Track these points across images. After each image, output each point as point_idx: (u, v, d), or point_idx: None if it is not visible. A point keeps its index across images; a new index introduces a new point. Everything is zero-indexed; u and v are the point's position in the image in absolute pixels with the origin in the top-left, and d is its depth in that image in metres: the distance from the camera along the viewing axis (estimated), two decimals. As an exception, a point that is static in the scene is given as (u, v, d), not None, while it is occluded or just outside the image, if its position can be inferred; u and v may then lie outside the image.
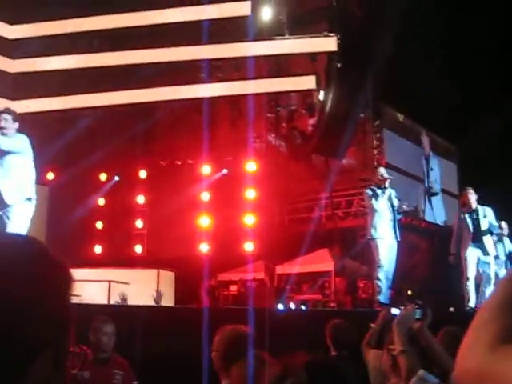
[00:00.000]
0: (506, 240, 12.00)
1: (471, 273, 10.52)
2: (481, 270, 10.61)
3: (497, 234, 10.97)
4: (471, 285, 10.47)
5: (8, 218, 7.45)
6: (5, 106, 8.09)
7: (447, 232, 19.24)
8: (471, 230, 10.53)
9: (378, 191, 10.07)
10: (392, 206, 10.13)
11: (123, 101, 13.35)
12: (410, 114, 17.28)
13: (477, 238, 10.51)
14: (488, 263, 10.60)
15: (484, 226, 10.57)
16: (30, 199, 7.67)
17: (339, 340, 5.54)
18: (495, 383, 0.95)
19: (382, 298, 9.90)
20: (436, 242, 18.81)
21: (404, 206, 10.51)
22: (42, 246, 1.14)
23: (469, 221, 10.57)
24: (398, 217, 10.38)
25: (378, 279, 9.99)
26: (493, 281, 10.52)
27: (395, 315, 5.73)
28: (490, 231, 10.61)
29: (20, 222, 7.54)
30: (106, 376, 5.27)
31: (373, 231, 10.03)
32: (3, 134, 7.32)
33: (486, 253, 10.58)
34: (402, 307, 4.09)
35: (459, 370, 1.04)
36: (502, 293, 1.07)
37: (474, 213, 10.62)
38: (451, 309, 10.66)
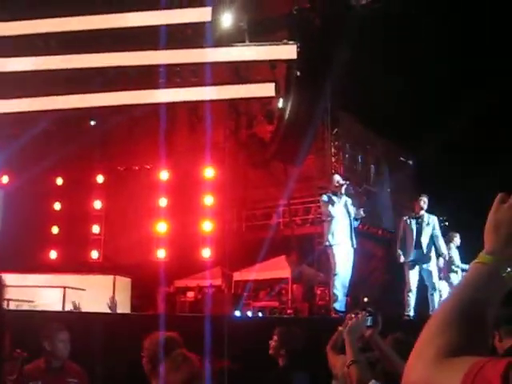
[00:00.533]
0: (455, 251, 12.19)
1: (413, 281, 10.64)
2: (424, 277, 10.73)
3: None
4: (412, 294, 10.58)
5: None
6: None
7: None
8: (414, 235, 10.67)
9: (334, 198, 10.12)
10: (348, 212, 10.18)
11: (81, 104, 13.20)
12: (366, 120, 17.44)
13: (418, 245, 10.64)
14: (430, 271, 10.71)
15: (426, 233, 10.69)
16: None
17: (290, 346, 5.54)
18: None
19: (338, 305, 9.93)
20: (392, 249, 19.01)
21: (361, 212, 10.51)
22: None
23: (413, 226, 10.70)
24: (355, 224, 10.45)
25: (334, 287, 10.02)
26: (437, 289, 10.68)
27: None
28: (432, 239, 10.75)
29: None
30: None
31: (330, 238, 10.06)
32: None
33: (426, 260, 10.69)
34: (353, 315, 4.01)
35: (408, 380, 1.06)
36: (448, 308, 1.09)
37: (419, 218, 10.75)
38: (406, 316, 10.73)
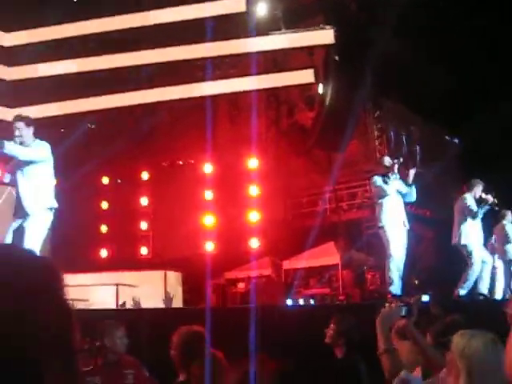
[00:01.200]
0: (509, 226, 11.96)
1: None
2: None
3: None
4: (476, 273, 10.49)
5: (27, 226, 7.33)
6: (15, 114, 7.89)
7: (452, 222, 19.31)
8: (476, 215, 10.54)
9: (386, 178, 9.93)
10: (400, 193, 9.99)
11: (124, 103, 13.33)
12: (409, 104, 17.20)
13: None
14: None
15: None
16: (50, 208, 7.60)
17: (348, 335, 5.47)
18: None
19: (394, 289, 9.74)
20: (442, 231, 18.76)
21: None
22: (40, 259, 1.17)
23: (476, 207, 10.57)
24: (410, 196, 10.18)
25: (390, 270, 9.78)
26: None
27: (426, 302, 5.66)
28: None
29: (39, 231, 7.46)
30: (117, 377, 5.24)
31: (383, 219, 9.87)
32: (22, 143, 7.14)
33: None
34: (387, 305, 4.02)
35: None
36: None
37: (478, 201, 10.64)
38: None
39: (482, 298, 10.26)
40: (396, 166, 10.06)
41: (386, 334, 3.70)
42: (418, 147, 18.34)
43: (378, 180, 10.00)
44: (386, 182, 9.87)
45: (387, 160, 10.31)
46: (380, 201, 9.99)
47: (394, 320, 3.90)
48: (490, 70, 16.06)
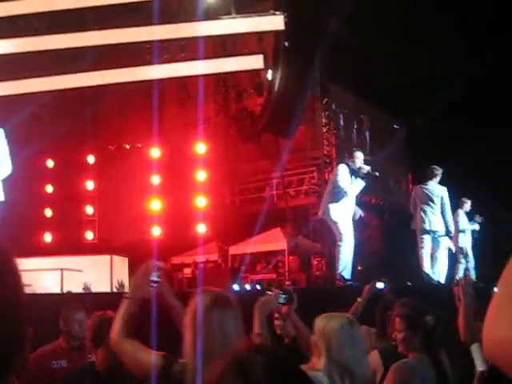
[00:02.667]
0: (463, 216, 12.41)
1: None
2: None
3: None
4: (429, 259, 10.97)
5: None
6: None
7: (397, 208, 19.65)
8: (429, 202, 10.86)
9: (353, 177, 9.84)
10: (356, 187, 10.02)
11: (70, 85, 13.07)
12: (356, 91, 17.37)
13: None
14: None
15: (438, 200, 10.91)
16: None
17: None
18: None
19: (345, 273, 9.86)
20: (387, 218, 19.08)
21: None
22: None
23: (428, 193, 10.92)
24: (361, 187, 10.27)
25: (342, 254, 9.88)
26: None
27: (380, 289, 5.84)
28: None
29: None
30: (82, 362, 5.22)
31: (334, 211, 9.86)
32: None
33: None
34: (268, 292, 4.09)
35: (490, 338, 1.05)
36: None
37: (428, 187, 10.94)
38: (408, 283, 10.82)
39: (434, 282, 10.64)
40: (364, 172, 9.92)
41: (262, 320, 3.81)
42: (367, 135, 18.56)
43: (343, 173, 9.83)
44: (350, 180, 9.77)
45: (360, 157, 10.12)
46: (334, 189, 9.92)
47: (272, 307, 4.05)
48: (439, 59, 16.34)
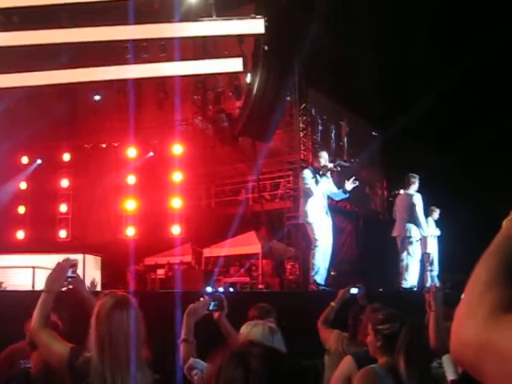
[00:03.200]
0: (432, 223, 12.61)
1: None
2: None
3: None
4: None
5: None
6: None
7: (371, 215, 19.77)
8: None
9: (318, 176, 9.99)
10: (325, 190, 10.13)
11: (47, 81, 12.98)
12: (335, 97, 17.44)
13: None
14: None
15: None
16: None
17: None
18: (497, 353, 0.96)
19: (319, 278, 9.96)
20: (361, 224, 19.19)
21: (350, 184, 10.34)
22: None
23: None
24: (340, 197, 10.44)
25: (315, 259, 9.99)
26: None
27: (354, 294, 5.93)
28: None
29: None
30: None
31: (308, 215, 9.99)
32: None
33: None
34: (201, 299, 4.30)
35: (457, 342, 1.05)
36: (492, 264, 1.09)
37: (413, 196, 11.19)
38: (380, 289, 10.96)
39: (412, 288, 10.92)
40: (328, 168, 10.11)
41: (190, 326, 4.03)
42: (346, 141, 18.64)
43: (307, 177, 10.01)
44: (316, 180, 9.93)
45: (324, 156, 10.30)
46: (306, 194, 10.10)
47: (201, 313, 4.21)
48: (417, 68, 16.48)
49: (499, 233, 1.15)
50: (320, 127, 17.55)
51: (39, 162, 16.25)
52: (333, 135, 18.27)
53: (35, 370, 4.27)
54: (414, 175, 11.35)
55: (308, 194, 10.01)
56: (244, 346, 1.74)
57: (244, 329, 3.69)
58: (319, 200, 9.98)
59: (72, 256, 3.81)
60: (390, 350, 3.82)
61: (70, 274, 3.60)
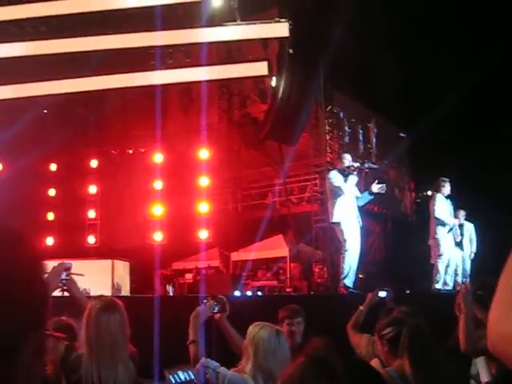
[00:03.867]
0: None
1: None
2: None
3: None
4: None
5: None
6: None
7: (399, 216, 19.64)
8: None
9: (344, 176, 10.03)
10: (353, 191, 10.14)
11: (74, 89, 13.11)
12: (361, 99, 17.37)
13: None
14: None
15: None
16: None
17: None
18: None
19: (348, 281, 9.95)
20: (389, 226, 19.07)
21: (378, 187, 10.35)
22: (15, 230, 1.17)
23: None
24: (366, 200, 10.41)
25: (345, 263, 9.99)
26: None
27: (382, 297, 5.93)
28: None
29: None
30: None
31: (337, 215, 10.00)
32: None
33: None
34: (205, 301, 4.52)
35: (496, 334, 1.06)
36: None
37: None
38: (407, 291, 10.92)
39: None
40: (355, 167, 10.16)
41: (196, 328, 4.21)
42: (374, 144, 18.57)
43: (335, 178, 10.04)
44: (343, 180, 9.95)
45: (348, 158, 10.37)
46: (334, 196, 10.12)
47: (207, 315, 4.42)
48: (441, 66, 16.39)
49: None
50: (347, 129, 17.50)
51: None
52: (361, 137, 18.21)
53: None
54: (445, 178, 11.32)
55: (337, 193, 10.01)
56: (325, 350, 1.73)
57: (251, 329, 3.89)
58: (348, 200, 9.97)
59: (67, 261, 4.03)
60: (397, 353, 3.87)
61: (63, 276, 3.98)
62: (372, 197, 10.44)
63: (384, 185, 10.38)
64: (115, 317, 3.62)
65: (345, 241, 9.95)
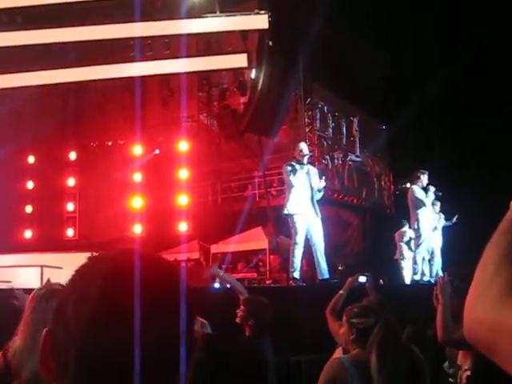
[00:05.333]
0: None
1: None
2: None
3: None
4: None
5: None
6: None
7: (378, 208, 19.75)
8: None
9: (297, 166, 9.95)
10: (310, 182, 10.02)
11: (51, 81, 12.98)
12: (342, 92, 17.40)
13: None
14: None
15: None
16: None
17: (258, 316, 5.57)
18: (509, 333, 0.96)
19: (297, 274, 9.97)
20: (367, 217, 19.16)
21: (323, 182, 10.35)
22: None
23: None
24: (319, 195, 10.29)
25: (294, 256, 9.95)
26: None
27: (362, 283, 5.94)
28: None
29: None
30: None
31: (289, 207, 9.93)
32: None
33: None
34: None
35: (471, 319, 1.06)
36: (504, 244, 1.09)
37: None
38: (381, 281, 11.01)
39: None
40: (307, 157, 10.10)
41: None
42: (355, 135, 18.65)
43: (286, 169, 10.02)
44: (295, 171, 9.85)
45: (301, 147, 10.28)
46: (288, 188, 10.06)
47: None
48: (422, 58, 16.47)
49: (508, 213, 1.15)
50: (327, 121, 17.54)
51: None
52: (344, 130, 18.29)
53: None
54: (423, 170, 11.41)
55: (289, 185, 9.96)
56: None
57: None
58: (302, 191, 9.88)
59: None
60: (362, 343, 3.88)
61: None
62: (321, 193, 10.33)
63: (323, 178, 10.40)
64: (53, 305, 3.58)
65: (295, 234, 9.90)
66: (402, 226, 14.04)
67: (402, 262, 13.79)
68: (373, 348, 3.69)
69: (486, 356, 1.03)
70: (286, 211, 9.97)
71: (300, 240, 9.84)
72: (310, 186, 9.97)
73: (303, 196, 9.91)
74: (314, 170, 10.23)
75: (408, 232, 13.64)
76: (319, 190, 10.17)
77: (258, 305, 5.64)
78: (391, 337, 3.78)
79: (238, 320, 5.60)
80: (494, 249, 1.10)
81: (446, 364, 4.46)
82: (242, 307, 5.64)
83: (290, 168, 9.96)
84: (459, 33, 15.85)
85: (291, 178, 9.83)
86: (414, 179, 11.46)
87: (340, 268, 14.60)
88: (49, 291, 3.50)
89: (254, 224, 16.10)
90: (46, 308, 3.39)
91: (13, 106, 13.83)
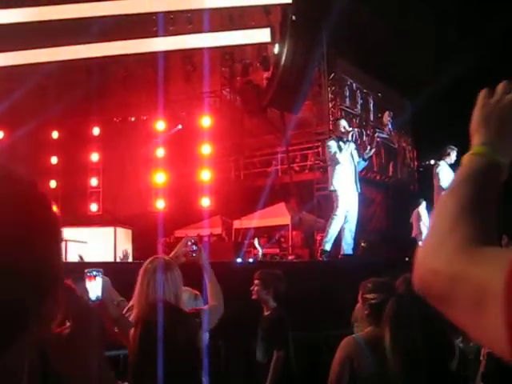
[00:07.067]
0: None
1: None
2: None
3: None
4: None
5: None
6: None
7: (401, 185, 19.64)
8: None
9: (341, 143, 10.03)
10: (353, 158, 10.14)
11: (75, 56, 13.03)
12: (364, 67, 17.24)
13: None
14: None
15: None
16: None
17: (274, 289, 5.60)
18: (470, 286, 0.94)
19: (328, 246, 10.07)
20: (390, 194, 19.07)
21: (370, 151, 10.52)
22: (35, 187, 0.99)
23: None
24: (364, 164, 10.44)
25: (330, 226, 10.05)
26: None
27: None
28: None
29: None
30: None
31: (335, 183, 10.03)
32: None
33: None
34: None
35: (426, 270, 1.03)
36: (456, 203, 1.07)
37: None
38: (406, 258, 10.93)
39: None
40: (351, 134, 10.17)
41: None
42: (374, 111, 18.50)
43: (332, 146, 10.06)
44: (340, 148, 9.96)
45: (343, 124, 10.35)
46: (332, 165, 10.13)
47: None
48: (444, 34, 16.23)
49: (461, 167, 1.14)
50: (348, 98, 17.42)
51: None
52: (371, 106, 18.18)
53: None
54: (452, 146, 11.20)
55: (334, 161, 10.02)
56: None
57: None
58: (346, 167, 9.98)
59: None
60: (376, 320, 3.70)
61: (194, 248, 4.40)
62: (366, 163, 10.51)
63: (373, 147, 10.50)
64: (172, 275, 3.85)
65: (337, 207, 10.01)
66: (419, 204, 13.96)
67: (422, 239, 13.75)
68: (386, 325, 3.57)
69: (440, 308, 1.01)
70: (332, 187, 10.09)
71: (340, 213, 10.00)
72: (353, 162, 10.08)
73: (348, 172, 10.02)
74: (354, 146, 10.29)
75: (423, 212, 13.60)
76: (364, 160, 10.27)
77: (273, 277, 5.68)
78: (405, 313, 3.66)
79: (254, 296, 5.63)
80: (452, 199, 1.08)
81: (460, 339, 4.41)
82: (256, 281, 5.67)
83: (335, 144, 10.00)
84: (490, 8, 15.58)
85: (337, 155, 9.88)
86: (443, 155, 11.24)
87: (363, 245, 14.57)
88: (163, 263, 3.84)
89: (277, 200, 16.10)
90: (164, 277, 3.75)
91: (37, 81, 13.89)
